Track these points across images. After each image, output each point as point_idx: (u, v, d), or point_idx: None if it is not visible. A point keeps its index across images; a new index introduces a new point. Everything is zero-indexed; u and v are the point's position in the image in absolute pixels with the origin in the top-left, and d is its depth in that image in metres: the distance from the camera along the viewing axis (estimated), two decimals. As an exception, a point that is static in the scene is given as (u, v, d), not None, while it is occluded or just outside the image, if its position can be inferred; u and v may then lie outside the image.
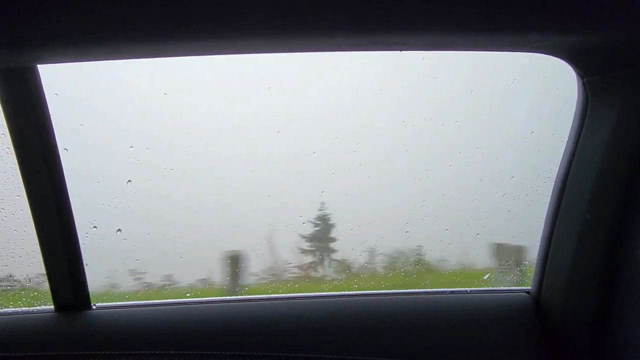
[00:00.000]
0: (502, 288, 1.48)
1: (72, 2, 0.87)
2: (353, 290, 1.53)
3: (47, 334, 1.26)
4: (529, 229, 1.41)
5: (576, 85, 1.23)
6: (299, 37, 1.01)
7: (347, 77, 1.34)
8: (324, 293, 1.41)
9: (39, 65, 1.14)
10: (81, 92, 1.27)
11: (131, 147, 1.30)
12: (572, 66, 1.19)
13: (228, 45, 1.03)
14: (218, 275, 1.49)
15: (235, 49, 1.06)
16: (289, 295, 1.39)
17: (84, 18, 0.91)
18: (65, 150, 1.21)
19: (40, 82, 1.15)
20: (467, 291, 1.43)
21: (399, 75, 1.33)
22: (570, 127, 1.27)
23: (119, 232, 1.33)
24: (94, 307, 1.32)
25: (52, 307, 1.31)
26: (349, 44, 1.07)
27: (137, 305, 1.34)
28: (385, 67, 1.30)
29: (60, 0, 0.87)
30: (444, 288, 1.45)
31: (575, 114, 1.26)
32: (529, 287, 1.40)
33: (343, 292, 1.45)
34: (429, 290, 1.45)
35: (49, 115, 1.18)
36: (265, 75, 1.28)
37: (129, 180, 1.29)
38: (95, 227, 1.32)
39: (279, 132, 1.36)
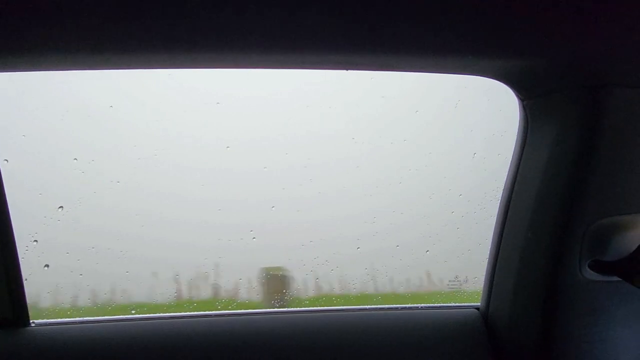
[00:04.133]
0: (452, 304, 1.50)
1: (22, 7, 0.85)
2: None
3: None
4: (477, 246, 1.44)
5: (517, 107, 1.29)
6: (264, 53, 1.02)
7: (296, 93, 1.36)
8: (268, 310, 1.40)
9: (-21, 73, 1.11)
10: (24, 100, 1.24)
11: (75, 159, 1.28)
12: (512, 90, 1.25)
13: (194, 58, 1.03)
14: (165, 293, 1.47)
15: (208, 63, 1.06)
16: (237, 312, 1.38)
17: (35, 25, 0.89)
18: (6, 161, 1.18)
19: None
20: (418, 307, 1.44)
21: (348, 92, 1.36)
22: (513, 148, 1.32)
23: (46, 268, 1.29)
24: (32, 324, 1.27)
25: (-14, 323, 1.26)
26: (301, 62, 1.10)
27: (80, 322, 1.29)
28: (334, 85, 1.33)
29: (9, 3, 0.85)
30: (395, 304, 1.46)
31: (517, 135, 1.31)
32: (479, 304, 1.43)
33: (288, 309, 1.44)
34: (380, 306, 1.46)
35: (-11, 124, 1.16)
36: (213, 90, 1.29)
37: (61, 207, 1.26)
38: (35, 240, 1.28)
39: (228, 147, 1.36)
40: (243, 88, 1.30)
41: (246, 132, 1.37)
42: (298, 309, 1.46)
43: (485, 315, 1.39)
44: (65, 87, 1.22)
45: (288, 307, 1.53)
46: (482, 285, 1.41)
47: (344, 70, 1.16)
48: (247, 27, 0.93)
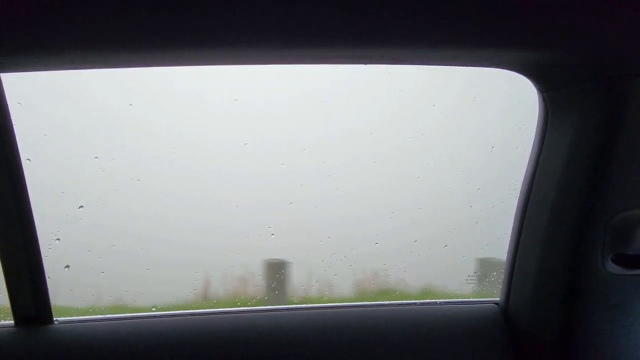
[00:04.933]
0: (471, 299, 1.49)
1: (37, 9, 0.86)
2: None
3: (5, 349, 1.22)
4: (496, 241, 1.43)
5: (537, 100, 1.27)
6: (275, 49, 1.02)
7: (314, 89, 1.36)
8: (288, 306, 1.40)
9: (1, 74, 1.13)
10: (45, 101, 1.26)
11: (96, 157, 1.29)
12: (532, 82, 1.23)
13: (208, 55, 1.03)
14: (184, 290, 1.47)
15: (219, 60, 1.06)
16: (256, 308, 1.38)
17: (51, 26, 0.91)
18: (28, 161, 1.19)
19: (3, 90, 1.14)
20: (437, 302, 1.44)
21: (367, 87, 1.35)
22: (532, 141, 1.30)
23: (66, 269, 1.31)
24: (55, 322, 1.29)
25: (12, 321, 1.27)
26: (314, 57, 1.09)
27: (102, 320, 1.30)
28: (351, 81, 1.32)
29: (24, 6, 0.86)
30: (414, 300, 1.45)
31: (536, 128, 1.29)
32: (498, 299, 1.42)
33: (308, 305, 1.44)
34: (399, 302, 1.45)
35: (12, 124, 1.16)
36: (231, 88, 1.29)
37: (81, 206, 1.28)
38: (58, 239, 1.29)
39: (245, 144, 1.37)
40: (260, 85, 1.30)
41: (264, 130, 1.37)
42: (313, 305, 1.46)
43: (505, 310, 1.38)
44: (86, 86, 1.23)
45: (303, 304, 1.53)
46: (500, 281, 1.40)
47: (359, 65, 1.15)
48: (254, 23, 0.92)
